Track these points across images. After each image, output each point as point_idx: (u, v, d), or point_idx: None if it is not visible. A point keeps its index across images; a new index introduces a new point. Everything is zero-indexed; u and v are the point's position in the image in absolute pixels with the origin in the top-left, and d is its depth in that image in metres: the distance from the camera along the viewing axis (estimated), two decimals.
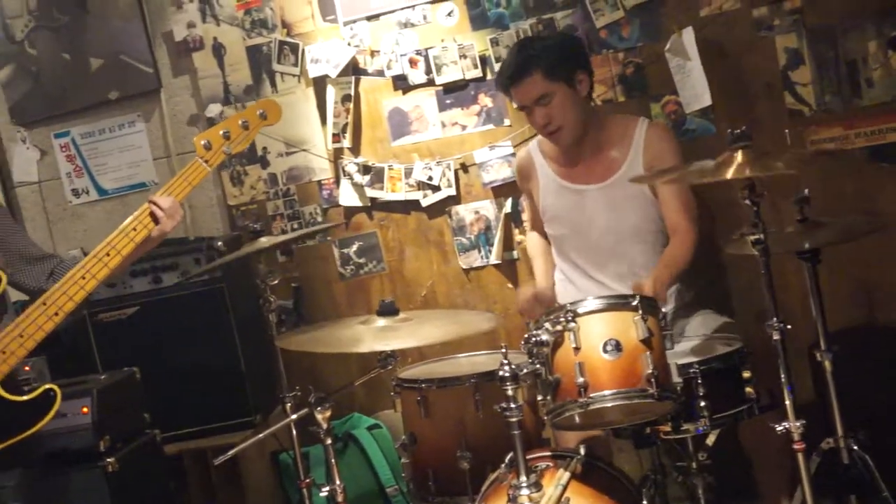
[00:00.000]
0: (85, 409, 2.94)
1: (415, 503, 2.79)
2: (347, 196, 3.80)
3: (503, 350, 2.24)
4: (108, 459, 2.95)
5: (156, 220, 2.46)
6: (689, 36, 3.33)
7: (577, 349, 2.25)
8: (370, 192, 3.77)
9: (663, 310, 2.38)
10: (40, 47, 4.00)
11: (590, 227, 3.07)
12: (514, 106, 3.10)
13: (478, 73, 3.61)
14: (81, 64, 3.99)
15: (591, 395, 2.22)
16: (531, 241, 3.38)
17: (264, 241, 2.89)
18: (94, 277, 2.33)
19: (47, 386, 2.27)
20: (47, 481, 2.43)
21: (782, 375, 2.30)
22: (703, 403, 2.41)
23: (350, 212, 3.82)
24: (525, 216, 3.48)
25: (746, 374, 2.48)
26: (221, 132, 2.60)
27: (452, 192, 3.69)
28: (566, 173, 3.12)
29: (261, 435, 2.55)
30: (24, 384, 2.33)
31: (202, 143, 2.56)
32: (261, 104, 2.73)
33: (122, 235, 2.41)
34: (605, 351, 2.24)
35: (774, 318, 2.28)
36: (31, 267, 2.45)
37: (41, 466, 2.38)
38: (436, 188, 3.70)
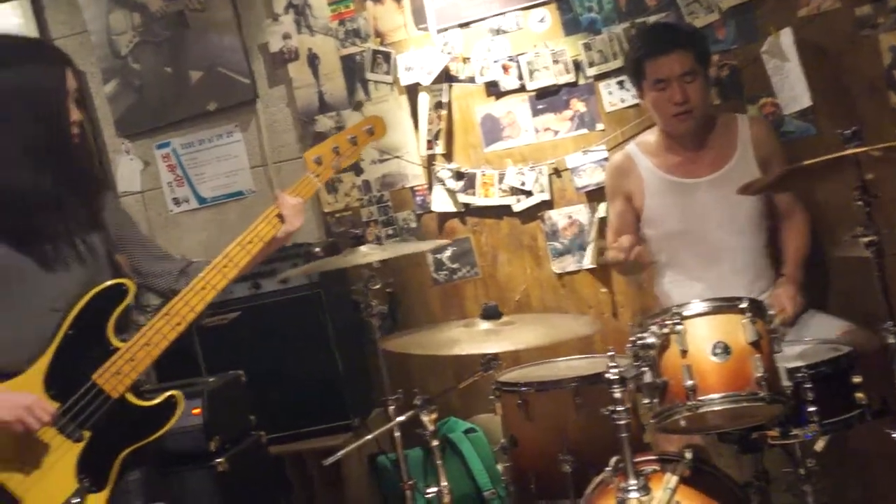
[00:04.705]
0: (196, 411, 3.00)
1: None
2: (440, 202, 3.84)
3: (611, 353, 2.25)
4: (218, 460, 3.00)
5: (282, 218, 2.47)
6: (787, 37, 3.29)
7: (684, 352, 2.24)
8: (463, 198, 3.80)
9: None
10: (143, 62, 4.14)
11: (702, 221, 3.05)
12: (648, 81, 2.99)
13: (570, 77, 3.62)
14: (182, 77, 4.11)
15: (700, 398, 2.21)
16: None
17: (364, 250, 2.95)
18: (213, 288, 2.40)
19: (170, 392, 2.34)
20: (163, 481, 2.50)
21: None
22: (812, 408, 2.38)
23: (443, 217, 3.86)
24: (610, 229, 3.33)
25: (857, 380, 2.43)
26: (332, 147, 2.61)
27: (546, 196, 3.70)
28: (671, 168, 3.10)
29: (368, 437, 2.61)
30: (142, 388, 2.42)
31: (313, 158, 2.58)
32: (368, 120, 2.74)
33: (240, 248, 2.44)
34: (714, 354, 2.23)
35: (890, 322, 2.24)
36: (160, 265, 2.49)
37: (157, 466, 2.45)
38: (528, 193, 3.71)
